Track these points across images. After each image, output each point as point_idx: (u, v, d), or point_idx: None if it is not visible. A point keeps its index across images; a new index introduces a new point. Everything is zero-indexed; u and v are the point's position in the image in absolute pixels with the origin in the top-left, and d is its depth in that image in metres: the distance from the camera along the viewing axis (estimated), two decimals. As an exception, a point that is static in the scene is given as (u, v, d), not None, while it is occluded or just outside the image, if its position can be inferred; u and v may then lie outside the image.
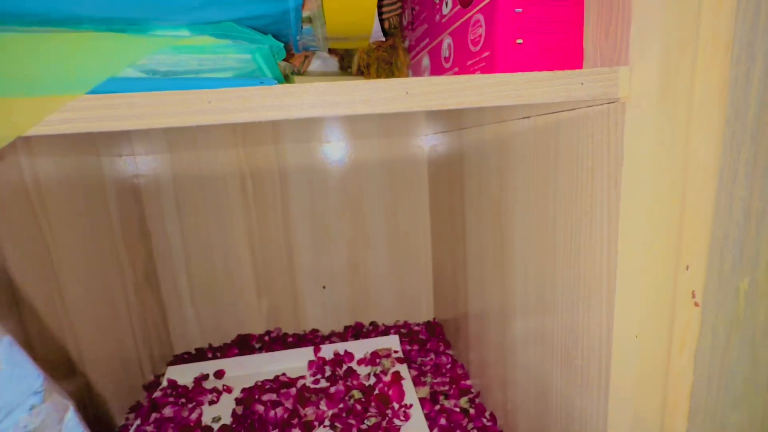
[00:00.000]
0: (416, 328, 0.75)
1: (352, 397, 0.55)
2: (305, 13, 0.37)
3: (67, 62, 0.21)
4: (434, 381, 0.59)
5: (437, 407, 0.54)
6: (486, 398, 0.53)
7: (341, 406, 0.54)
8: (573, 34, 0.27)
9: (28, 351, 0.40)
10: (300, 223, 0.71)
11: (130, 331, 0.60)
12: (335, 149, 0.70)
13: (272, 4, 0.28)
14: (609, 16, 0.24)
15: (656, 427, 0.27)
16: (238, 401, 0.56)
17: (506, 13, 0.26)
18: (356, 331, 0.74)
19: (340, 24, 0.40)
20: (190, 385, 0.60)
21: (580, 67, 0.27)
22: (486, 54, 0.28)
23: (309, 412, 0.53)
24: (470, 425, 0.50)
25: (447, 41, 0.34)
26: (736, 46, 0.23)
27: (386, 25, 0.46)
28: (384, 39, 0.45)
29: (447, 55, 0.35)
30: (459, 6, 0.31)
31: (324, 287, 0.75)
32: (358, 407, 0.53)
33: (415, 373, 0.61)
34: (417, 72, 0.44)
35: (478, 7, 0.28)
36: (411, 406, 0.53)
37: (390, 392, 0.54)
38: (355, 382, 0.58)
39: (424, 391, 0.57)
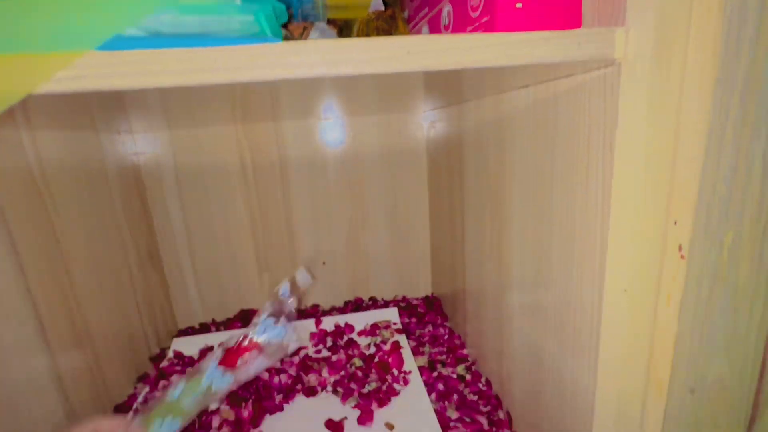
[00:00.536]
0: (415, 302, 0.77)
1: (353, 364, 0.57)
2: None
3: (72, 18, 0.21)
4: (432, 351, 0.61)
5: (435, 374, 0.56)
6: (482, 366, 0.55)
7: (343, 373, 0.56)
8: (571, -1, 0.27)
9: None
10: (300, 199, 0.72)
11: (135, 307, 0.61)
12: (334, 128, 0.70)
13: (274, -32, 0.28)
14: (607, -22, 0.25)
15: (641, 376, 0.28)
16: (242, 370, 0.58)
17: (506, -24, 0.26)
18: (356, 306, 0.75)
19: (340, -8, 0.40)
20: (196, 356, 0.62)
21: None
22: (485, 19, 0.28)
23: (312, 378, 0.55)
24: (466, 390, 0.52)
25: (446, 8, 0.35)
26: (728, 8, 0.23)
27: (386, -5, 0.45)
28: (383, 9, 0.45)
29: (447, 23, 0.35)
30: (459, -29, 0.31)
31: (324, 263, 0.76)
32: (359, 374, 0.55)
33: (413, 344, 0.63)
34: (416, 43, 0.43)
35: (478, -29, 0.28)
36: (410, 372, 0.55)
37: (390, 360, 0.56)
38: (356, 352, 0.60)
39: (423, 360, 0.59)
